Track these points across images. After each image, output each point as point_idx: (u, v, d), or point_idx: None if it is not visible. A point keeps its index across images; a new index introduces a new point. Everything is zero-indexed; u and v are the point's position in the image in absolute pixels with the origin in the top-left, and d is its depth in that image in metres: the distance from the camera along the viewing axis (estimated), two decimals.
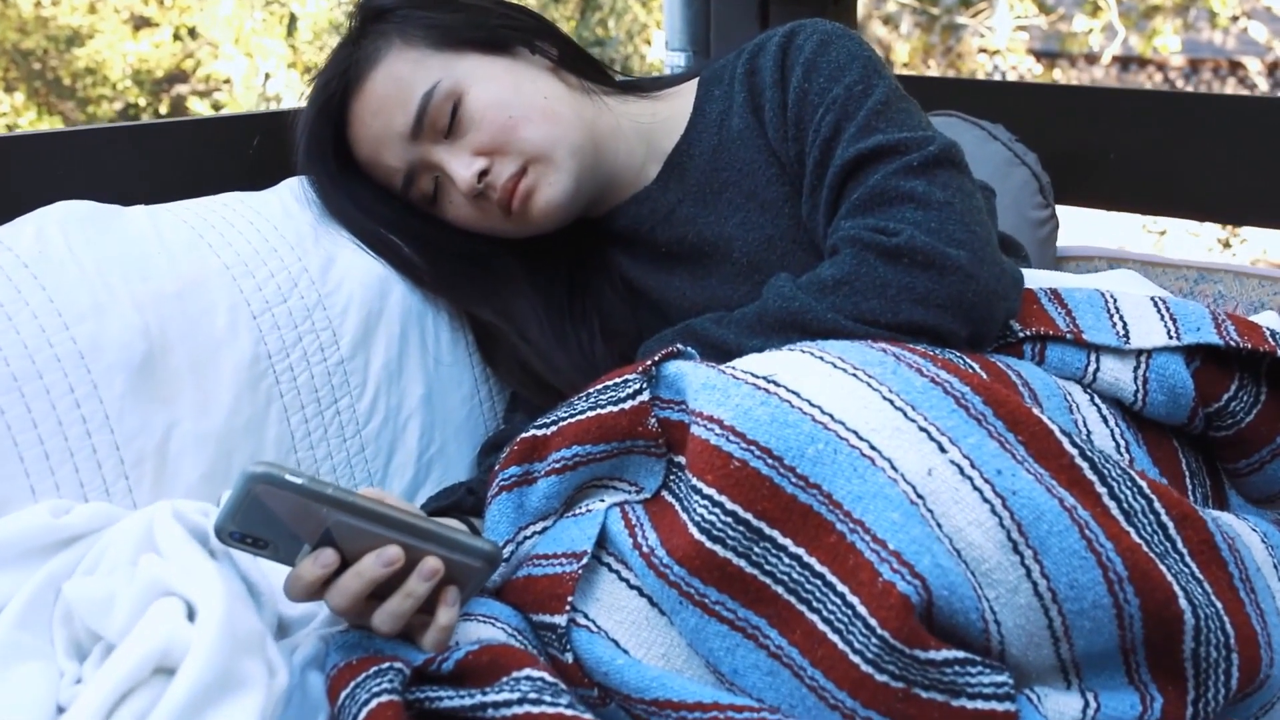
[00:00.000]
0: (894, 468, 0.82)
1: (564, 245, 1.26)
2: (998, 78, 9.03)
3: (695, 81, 1.25)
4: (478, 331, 1.24)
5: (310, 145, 1.17)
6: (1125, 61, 8.93)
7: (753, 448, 0.84)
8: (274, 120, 1.23)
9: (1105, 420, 0.99)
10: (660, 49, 2.16)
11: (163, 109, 7.60)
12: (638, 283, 1.25)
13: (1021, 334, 1.02)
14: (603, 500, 0.97)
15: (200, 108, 7.11)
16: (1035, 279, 1.10)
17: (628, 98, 1.25)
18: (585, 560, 0.92)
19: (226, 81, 7.15)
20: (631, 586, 0.92)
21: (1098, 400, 1.00)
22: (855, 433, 0.84)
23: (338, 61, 1.17)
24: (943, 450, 0.83)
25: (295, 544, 0.84)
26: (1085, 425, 0.98)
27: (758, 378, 0.88)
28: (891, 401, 0.85)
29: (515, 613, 0.96)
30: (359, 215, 1.19)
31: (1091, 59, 8.73)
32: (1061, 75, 9.15)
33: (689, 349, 0.99)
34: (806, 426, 0.84)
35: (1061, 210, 1.71)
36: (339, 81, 1.16)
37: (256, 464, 0.80)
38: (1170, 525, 0.87)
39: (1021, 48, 8.64)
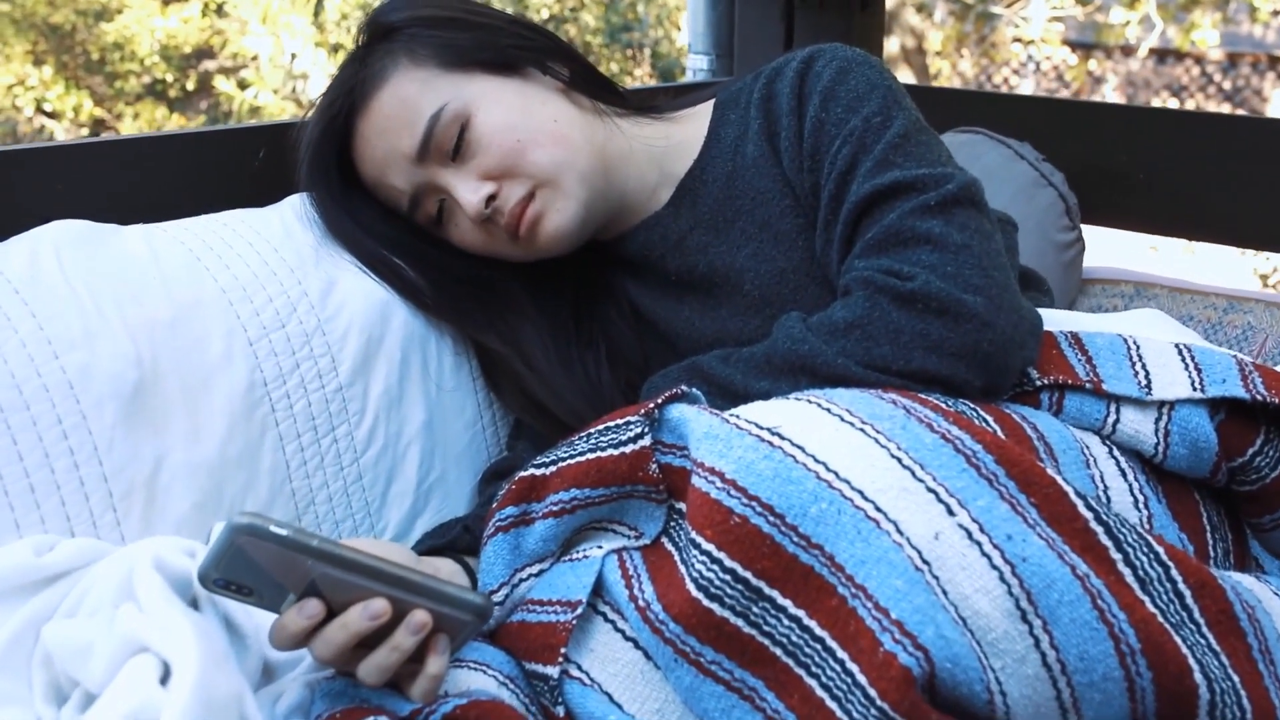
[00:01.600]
0: (899, 531, 0.79)
1: (571, 269, 1.23)
2: (1031, 68, 8.92)
3: (711, 104, 1.21)
4: (482, 357, 1.21)
5: (313, 163, 1.14)
6: (1162, 54, 8.80)
7: (754, 504, 0.82)
8: (279, 132, 1.20)
9: (1124, 474, 0.96)
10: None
11: (190, 85, 7.60)
12: (646, 311, 1.22)
13: (1039, 382, 0.98)
14: (600, 546, 0.94)
15: (226, 86, 7.10)
16: (1056, 321, 1.07)
17: (641, 119, 1.21)
18: (580, 610, 0.90)
19: (254, 58, 7.13)
20: (627, 638, 0.89)
21: (1117, 453, 0.97)
22: (860, 492, 0.81)
23: (344, 79, 1.14)
24: (951, 513, 0.80)
25: (280, 593, 0.82)
26: (1102, 480, 0.94)
27: (762, 429, 0.85)
28: (899, 460, 0.82)
29: (509, 659, 0.94)
30: (362, 236, 1.16)
31: (1128, 51, 8.61)
32: (1097, 66, 9.04)
33: (694, 390, 0.96)
34: (810, 484, 0.81)
35: (1089, 230, 1.66)
36: (344, 100, 1.13)
37: (241, 514, 0.78)
38: (1187, 594, 0.83)
39: (1056, 38, 8.53)
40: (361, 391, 1.11)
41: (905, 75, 7.62)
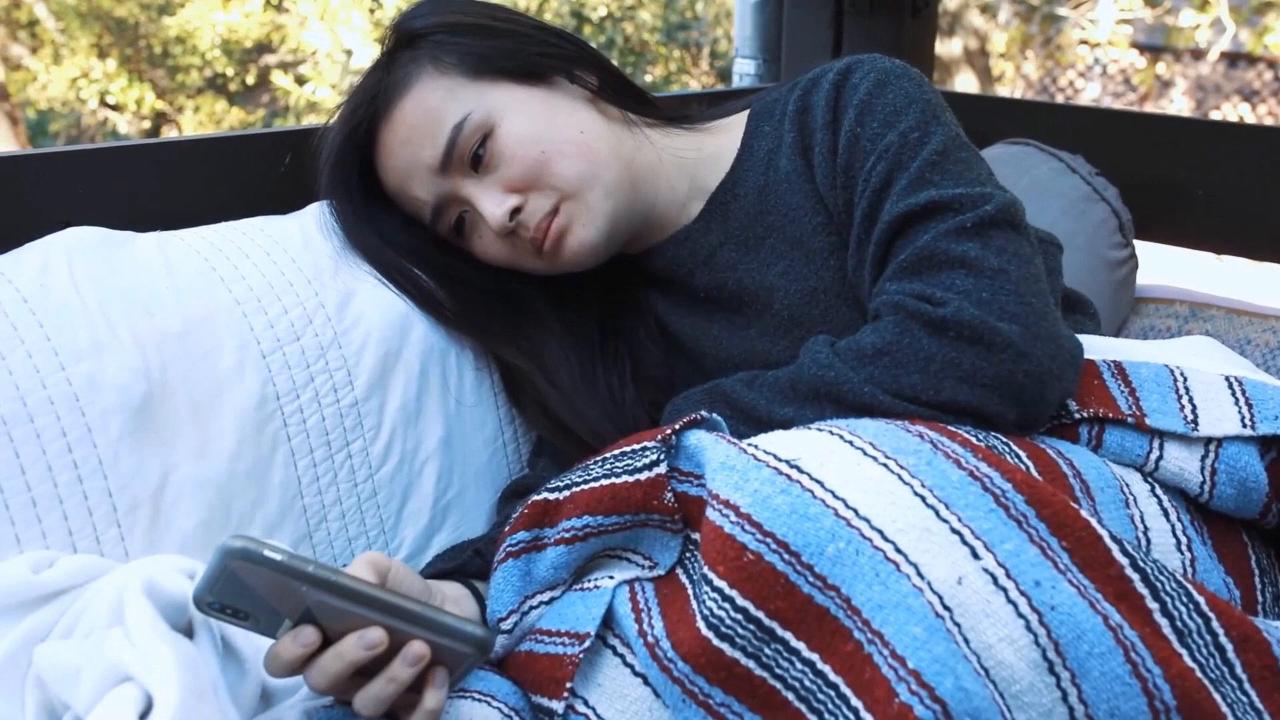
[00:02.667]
0: (920, 574, 0.75)
1: (598, 283, 1.20)
2: (1098, 71, 8.76)
3: (746, 114, 1.17)
4: (504, 372, 1.18)
5: (335, 172, 1.12)
6: (1234, 58, 8.61)
7: (769, 540, 0.78)
8: (306, 137, 1.18)
9: (1166, 514, 0.91)
10: None
11: (249, 79, 7.68)
12: (673, 328, 1.18)
13: (1078, 414, 0.94)
14: (611, 577, 0.91)
15: (284, 81, 7.16)
16: (1099, 348, 1.02)
17: (672, 129, 1.17)
18: (587, 644, 0.87)
19: (313, 53, 7.19)
20: (636, 674, 0.86)
21: (1159, 491, 0.92)
22: (880, 532, 0.77)
23: (368, 86, 1.12)
24: (976, 556, 0.76)
25: (276, 618, 0.80)
26: (1142, 521, 0.89)
27: (780, 460, 0.81)
28: (923, 498, 0.78)
29: (515, 689, 0.91)
30: (382, 246, 1.13)
31: (1198, 54, 8.43)
32: (1165, 70, 8.86)
33: (714, 416, 0.92)
34: (828, 521, 0.77)
35: (1143, 246, 1.60)
36: (368, 108, 1.10)
37: (235, 537, 0.76)
38: (1229, 648, 0.78)
39: (1124, 41, 8.37)
40: (378, 406, 1.08)
41: (968, 78, 7.51)
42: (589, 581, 0.93)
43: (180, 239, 1.07)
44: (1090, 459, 0.91)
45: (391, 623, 0.79)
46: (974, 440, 0.85)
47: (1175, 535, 0.90)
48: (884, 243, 0.98)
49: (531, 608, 0.93)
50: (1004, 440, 0.88)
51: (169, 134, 7.47)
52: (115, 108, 7.78)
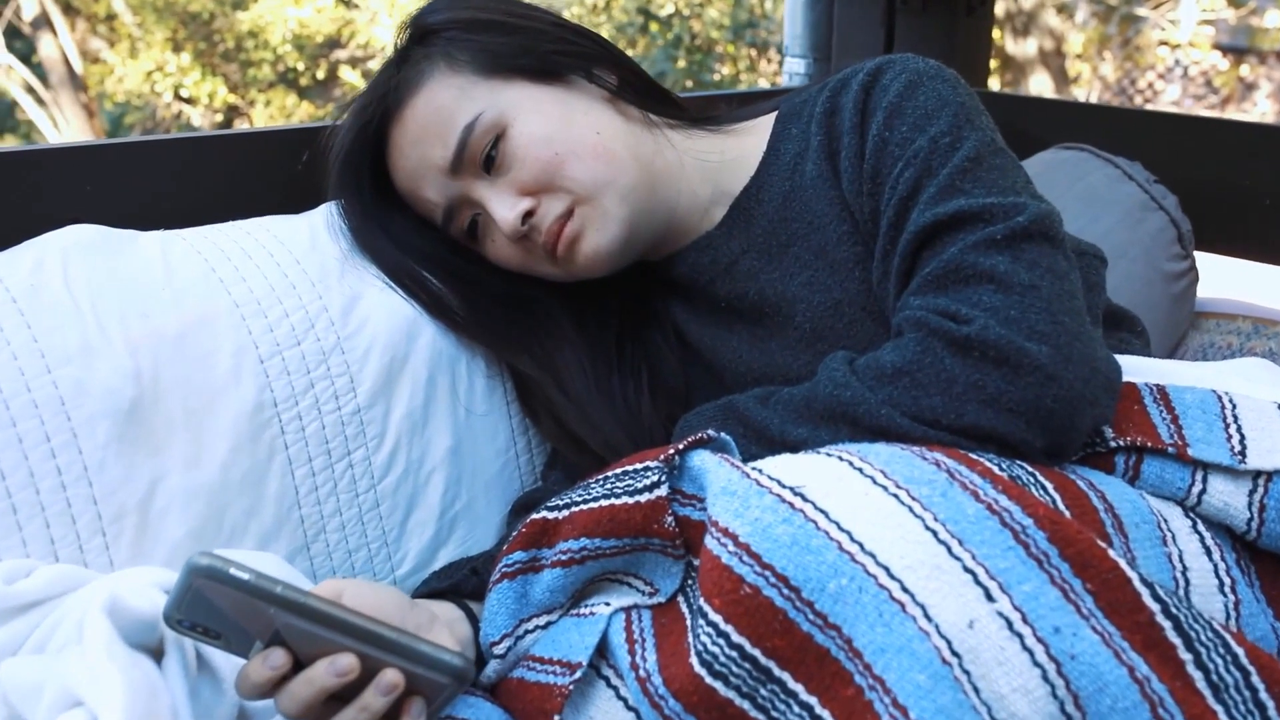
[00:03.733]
0: (928, 616, 0.69)
1: (617, 290, 1.15)
2: (1178, 73, 8.54)
3: (773, 116, 1.11)
4: (518, 380, 1.13)
5: (344, 171, 1.08)
6: None
7: (767, 573, 0.73)
8: (324, 135, 1.14)
9: (1208, 553, 0.84)
10: None
11: (320, 74, 7.74)
12: (692, 338, 1.13)
13: (1114, 442, 0.87)
14: (608, 603, 0.86)
15: (351, 76, 7.21)
16: (1141, 370, 0.95)
17: (695, 131, 1.12)
18: (579, 674, 0.82)
19: (383, 49, 7.23)
20: (629, 707, 0.82)
21: (1201, 528, 0.85)
22: (886, 569, 0.71)
23: (379, 83, 1.08)
24: (990, 598, 0.70)
25: (247, 638, 0.76)
26: (1181, 560, 0.83)
27: (784, 487, 0.76)
28: (935, 533, 0.72)
29: (506, 717, 0.86)
30: (392, 249, 1.09)
31: None
32: (1249, 72, 8.61)
33: (722, 435, 0.87)
34: (831, 555, 0.72)
35: (1204, 258, 1.52)
36: (378, 106, 1.06)
37: (200, 555, 0.72)
38: (1270, 705, 0.72)
39: (1206, 42, 8.15)
40: (382, 414, 1.04)
41: (1042, 79, 7.35)
42: (585, 607, 0.88)
43: (183, 239, 1.04)
44: (1125, 492, 0.84)
45: (364, 649, 0.75)
46: (995, 470, 0.79)
47: (1218, 576, 0.84)
48: (909, 254, 0.92)
49: (527, 631, 0.89)
50: (1029, 470, 0.81)
51: (240, 126, 7.55)
52: (189, 101, 7.89)
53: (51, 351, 0.90)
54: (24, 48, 8.00)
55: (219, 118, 7.85)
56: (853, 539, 0.72)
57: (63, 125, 7.52)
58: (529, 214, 1.03)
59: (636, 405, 1.11)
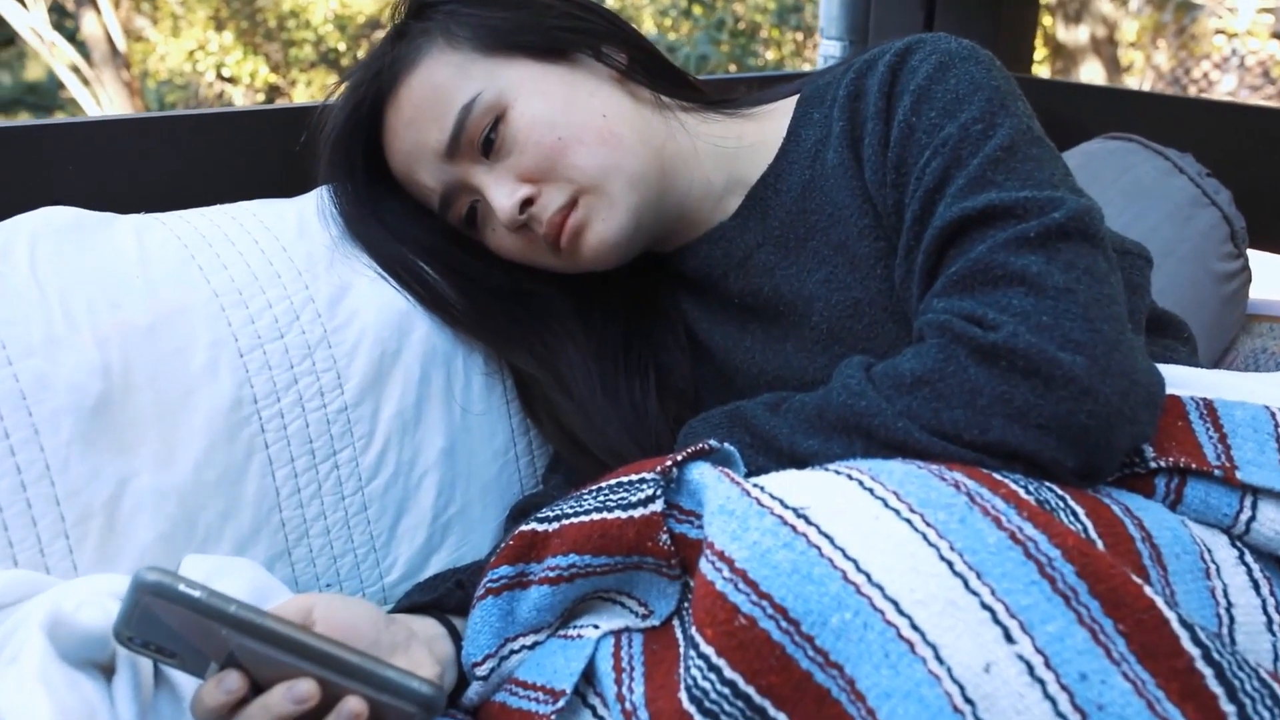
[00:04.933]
0: (939, 658, 0.62)
1: (625, 284, 1.08)
2: (1235, 63, 8.33)
3: (795, 100, 1.04)
4: (519, 378, 1.07)
5: (336, 153, 1.02)
6: None
7: (764, 603, 0.66)
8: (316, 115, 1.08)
9: (1256, 586, 0.76)
10: None
11: (360, 54, 7.70)
12: (703, 336, 1.06)
13: (1155, 463, 0.79)
14: (596, 626, 0.80)
15: None
16: (1188, 381, 0.87)
17: (711, 115, 1.05)
18: (561, 703, 0.76)
19: None
20: None
21: (1249, 559, 0.77)
22: (895, 603, 0.64)
23: (373, 60, 1.01)
24: (1010, 639, 0.63)
25: (202, 658, 0.71)
26: (1225, 596, 0.75)
27: (787, 508, 0.69)
28: (951, 564, 0.65)
29: None
30: (386, 237, 1.03)
31: None
32: None
33: (725, 446, 0.81)
34: (834, 586, 0.65)
35: (1258, 256, 1.42)
36: (371, 84, 1.00)
37: (148, 569, 0.67)
38: None
39: (1265, 31, 7.94)
40: (370, 412, 0.98)
41: (1094, 67, 7.19)
42: (574, 628, 0.82)
43: (162, 223, 0.98)
44: (1165, 518, 0.76)
45: (325, 674, 0.69)
46: (1021, 494, 0.71)
47: (1266, 613, 0.76)
48: (935, 251, 0.85)
49: (512, 651, 0.83)
50: (1059, 493, 0.74)
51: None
52: (230, 80, 7.88)
53: (13, 342, 0.85)
54: (70, 25, 8.03)
55: (260, 97, 7.84)
56: (859, 568, 0.66)
57: (105, 103, 7.54)
58: (528, 202, 0.97)
59: (643, 407, 1.05)
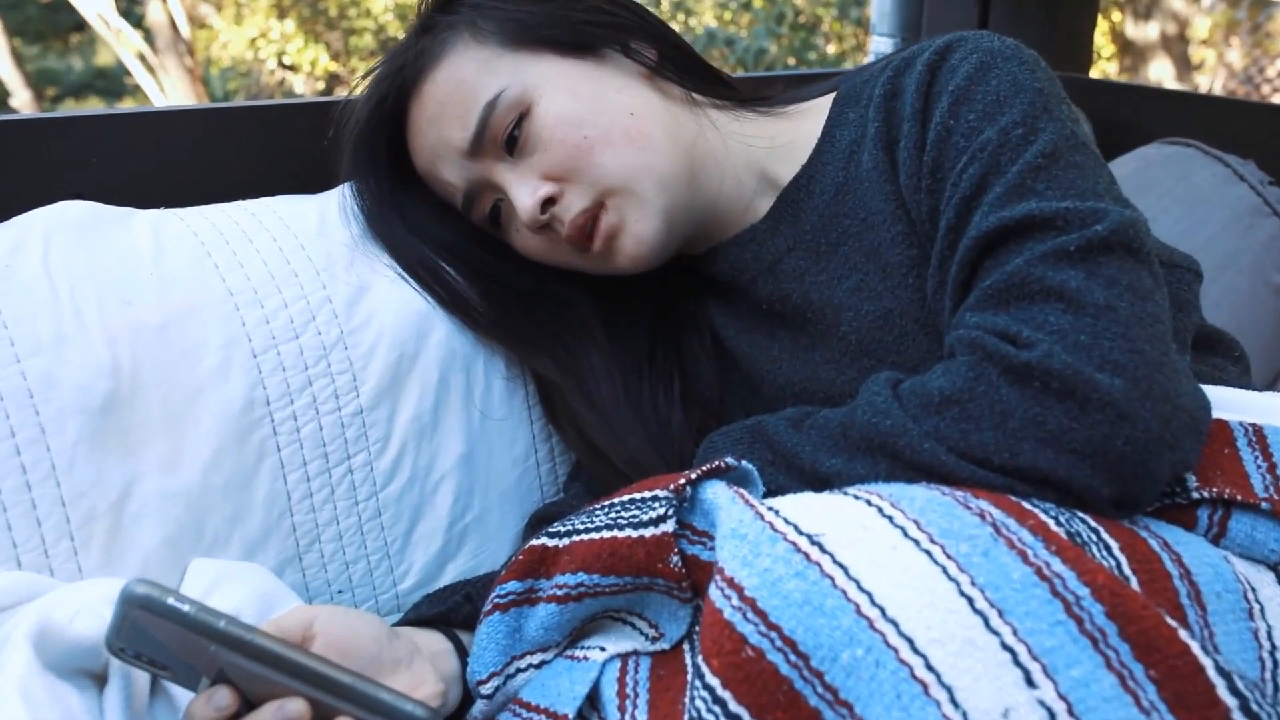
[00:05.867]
0: (954, 701, 0.59)
1: (652, 287, 1.05)
2: None
3: (832, 98, 1.00)
4: (540, 383, 1.04)
5: (359, 149, 0.99)
6: None
7: (773, 634, 0.63)
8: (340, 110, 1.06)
9: None
10: None
11: None
12: (730, 343, 1.03)
13: (1198, 493, 0.75)
14: (603, 649, 0.77)
15: None
16: (1237, 404, 0.82)
17: (743, 113, 1.01)
18: None
19: None
20: None
21: None
22: (910, 641, 0.60)
23: (398, 54, 0.99)
24: (1031, 683, 0.59)
25: (194, 672, 0.69)
26: (1270, 638, 0.70)
27: (801, 534, 0.66)
28: (971, 600, 0.61)
29: None
30: (408, 236, 1.01)
31: None
32: None
33: (743, 464, 0.77)
34: (847, 620, 0.62)
35: None
36: (394, 79, 0.98)
37: (138, 582, 0.65)
38: None
39: None
40: (387, 416, 0.96)
41: (1163, 65, 7.03)
42: (581, 649, 0.79)
43: (180, 219, 0.96)
44: (1206, 553, 0.72)
45: (316, 694, 0.67)
46: (1051, 526, 0.67)
47: None
48: (969, 263, 0.80)
49: (519, 670, 0.80)
50: (1092, 525, 0.70)
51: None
52: (291, 68, 7.94)
53: (21, 340, 0.83)
54: (138, 12, 8.13)
55: (320, 85, 7.89)
56: (873, 602, 0.62)
57: (169, 89, 7.63)
58: (550, 201, 0.94)
59: (666, 417, 1.02)
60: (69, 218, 0.91)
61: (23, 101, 7.70)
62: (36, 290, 0.86)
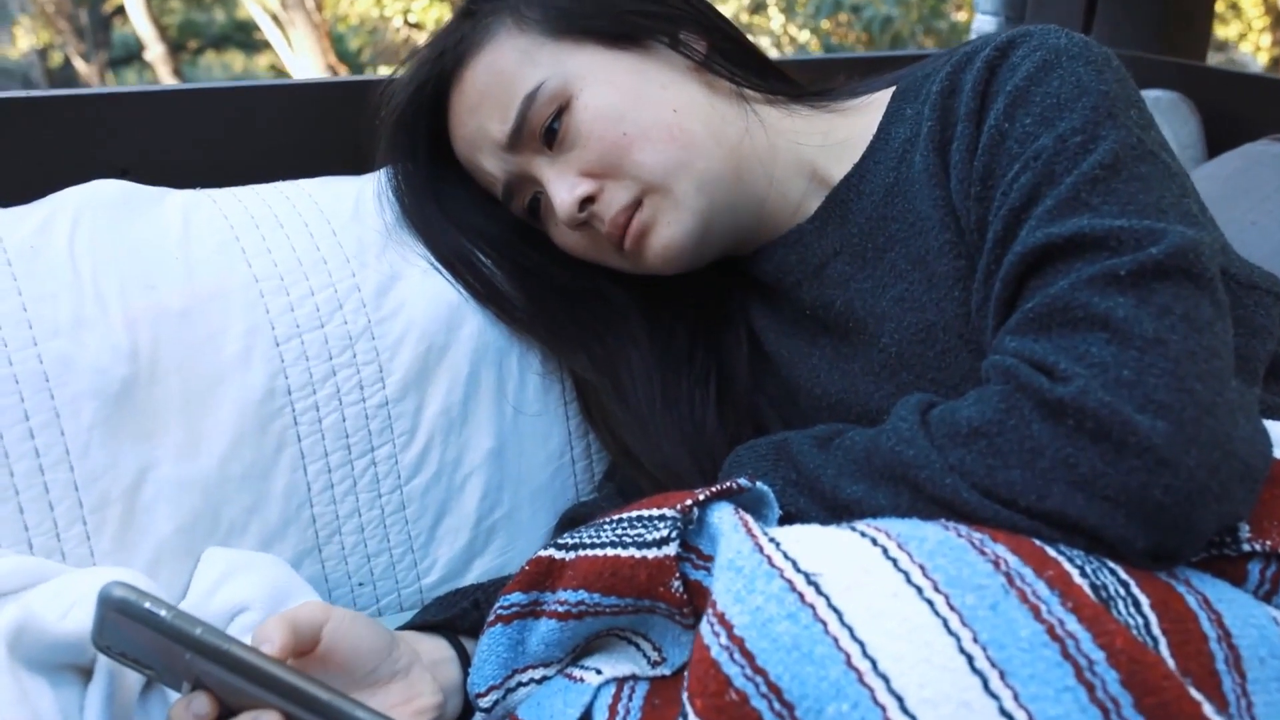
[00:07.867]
0: None
1: (695, 285, 1.00)
2: None
3: (890, 93, 0.94)
4: (577, 379, 1.01)
5: (398, 134, 0.97)
6: None
7: (759, 679, 0.59)
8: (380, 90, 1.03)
9: None
10: None
11: None
12: (770, 346, 0.98)
13: (1249, 545, 0.68)
14: (599, 672, 0.74)
15: None
16: None
17: (796, 108, 0.96)
18: None
19: None
20: None
21: None
22: (899, 699, 0.56)
23: (441, 39, 0.96)
24: None
25: (175, 674, 0.67)
26: None
27: (799, 571, 0.61)
28: (971, 658, 0.57)
29: None
30: (444, 224, 0.98)
31: None
32: None
33: (758, 485, 0.73)
34: (835, 670, 0.57)
35: None
36: (436, 64, 0.95)
37: (115, 584, 0.64)
38: None
39: None
40: (414, 408, 0.94)
41: None
42: (579, 669, 0.76)
43: (213, 200, 0.95)
44: (1252, 614, 0.65)
45: (289, 708, 0.65)
46: (1075, 577, 0.61)
47: None
48: (1014, 280, 0.74)
49: (520, 684, 0.78)
50: (1122, 578, 0.64)
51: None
52: (417, 26, 8.00)
53: (40, 321, 0.83)
54: None
55: None
56: (865, 653, 0.57)
57: (297, 45, 7.75)
58: (589, 199, 0.90)
59: (702, 419, 0.98)
60: (101, 197, 0.91)
61: (157, 55, 7.91)
62: (59, 271, 0.85)
